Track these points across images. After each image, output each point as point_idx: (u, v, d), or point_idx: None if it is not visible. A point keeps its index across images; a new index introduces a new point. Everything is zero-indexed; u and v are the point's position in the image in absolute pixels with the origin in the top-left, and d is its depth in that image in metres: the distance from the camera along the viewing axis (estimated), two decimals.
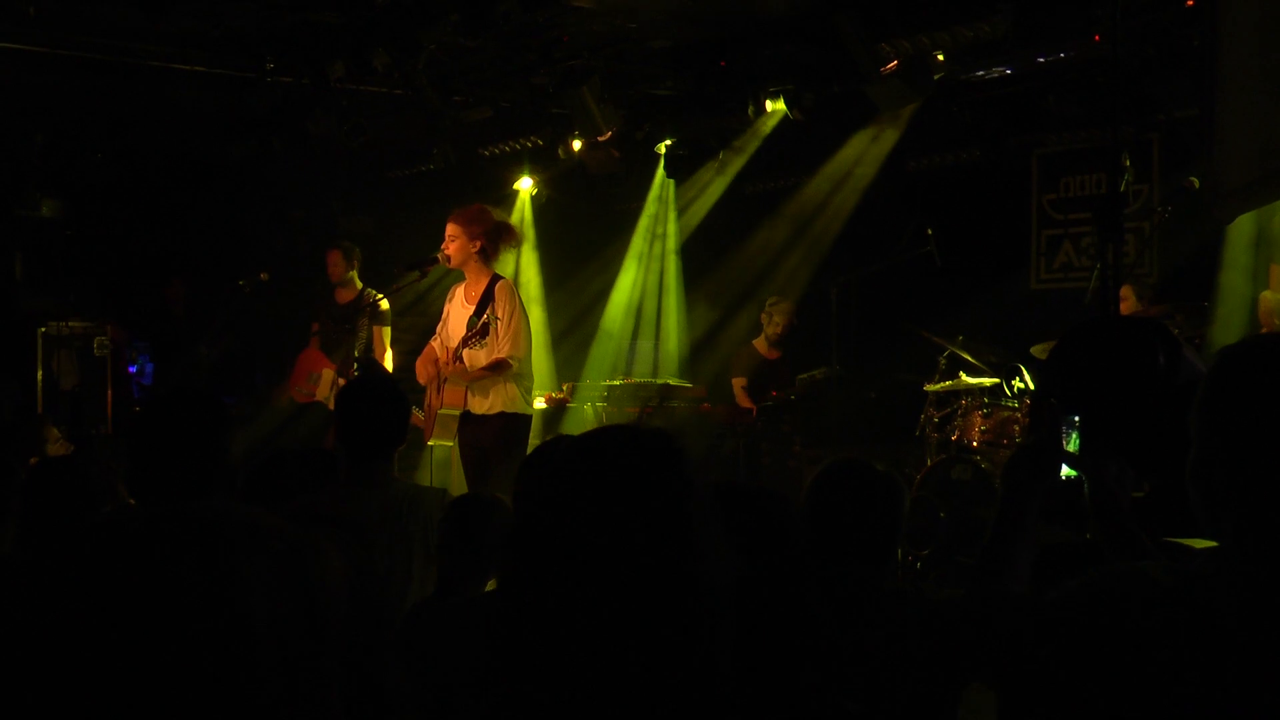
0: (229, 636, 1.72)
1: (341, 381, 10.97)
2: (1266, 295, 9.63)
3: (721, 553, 2.03)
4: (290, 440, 13.19)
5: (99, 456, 11.36)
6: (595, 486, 2.00)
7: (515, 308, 9.24)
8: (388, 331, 12.27)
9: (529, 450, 9.13)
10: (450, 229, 9.36)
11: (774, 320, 12.63)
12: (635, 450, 2.06)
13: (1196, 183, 8.25)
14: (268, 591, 1.76)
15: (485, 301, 9.25)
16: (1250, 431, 2.37)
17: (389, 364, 11.95)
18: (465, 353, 9.26)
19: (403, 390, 5.88)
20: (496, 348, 9.18)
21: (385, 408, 5.62)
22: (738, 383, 12.68)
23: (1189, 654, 2.29)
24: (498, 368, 9.16)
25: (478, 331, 9.18)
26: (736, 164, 13.76)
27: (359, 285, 12.20)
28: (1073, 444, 3.28)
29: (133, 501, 4.95)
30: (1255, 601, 2.29)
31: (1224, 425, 2.42)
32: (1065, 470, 3.27)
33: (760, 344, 12.75)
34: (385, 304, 12.02)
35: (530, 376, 9.55)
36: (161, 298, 14.55)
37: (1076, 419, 3.29)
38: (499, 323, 9.19)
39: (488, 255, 9.39)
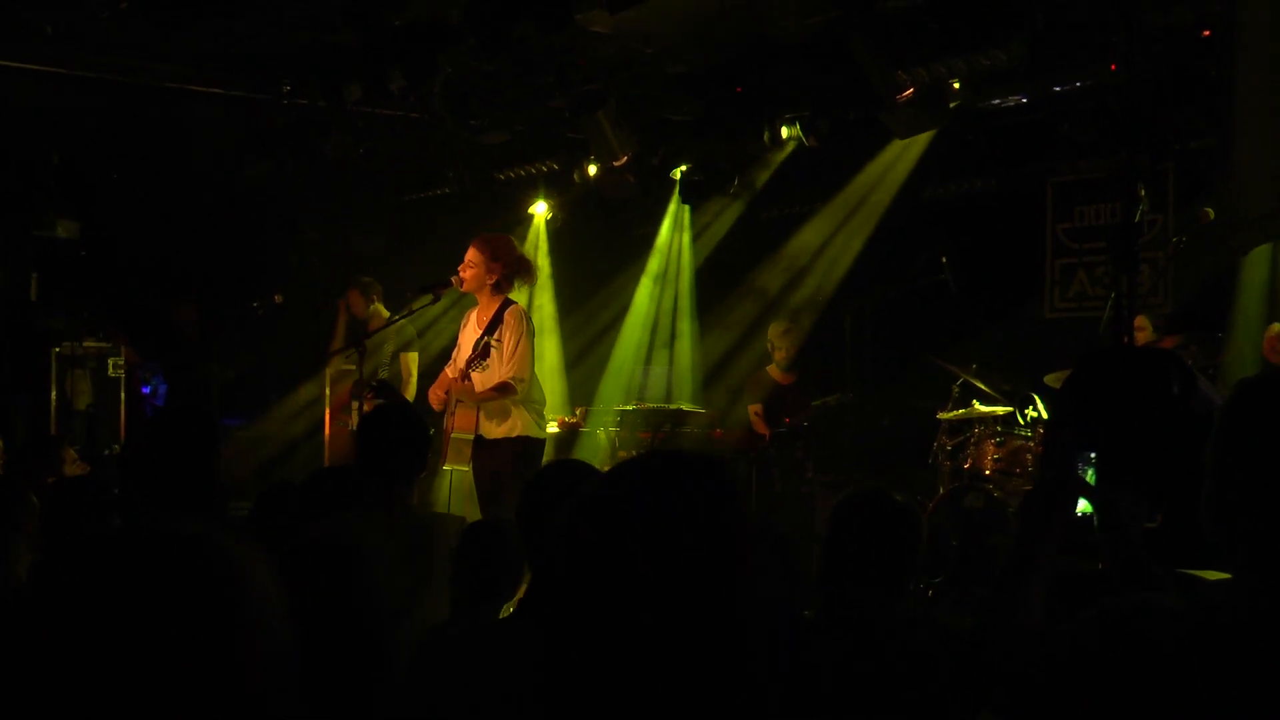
0: (200, 664, 1.73)
1: (355, 404, 10.96)
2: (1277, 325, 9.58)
3: (775, 586, 2.02)
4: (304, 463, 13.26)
5: (113, 477, 11.38)
6: (655, 518, 1.98)
7: (522, 332, 9.24)
8: (414, 358, 12.28)
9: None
10: (471, 254, 9.37)
11: (778, 346, 12.56)
12: (696, 482, 2.04)
13: (1211, 213, 8.23)
14: (228, 612, 1.77)
15: (494, 325, 9.29)
16: (1266, 462, 2.36)
17: (413, 389, 11.95)
18: (472, 375, 9.30)
19: (423, 418, 5.88)
20: (499, 371, 9.21)
21: (406, 435, 5.62)
22: (753, 409, 12.64)
23: (1203, 684, 2.28)
24: (502, 390, 9.18)
25: (479, 354, 9.22)
26: (752, 189, 13.76)
27: (385, 314, 12.23)
28: (1089, 478, 3.27)
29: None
30: (1269, 632, 2.28)
31: (1240, 456, 2.41)
32: (1081, 505, 3.26)
33: (774, 370, 12.71)
34: (412, 329, 12.07)
35: (541, 400, 9.57)
36: (171, 319, 14.57)
37: (1092, 455, 3.28)
38: (501, 346, 9.21)
39: (501, 288, 9.41)
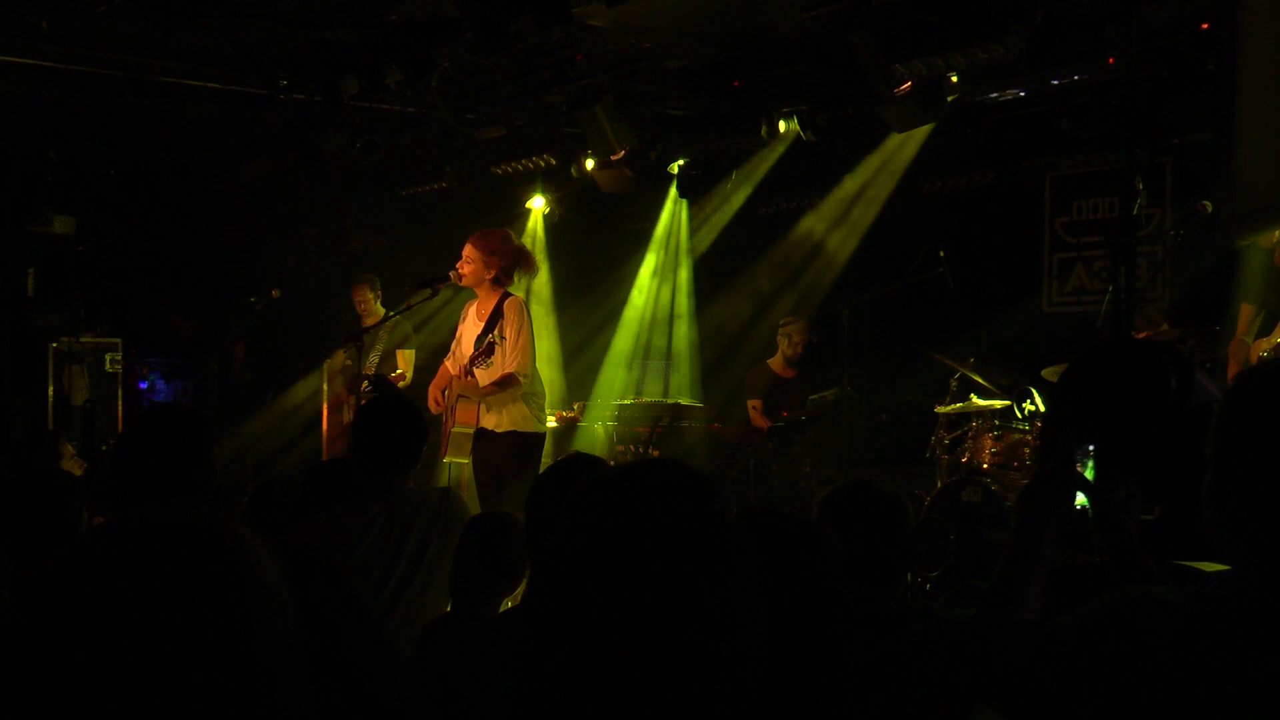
0: (220, 652, 1.72)
1: (351, 399, 10.96)
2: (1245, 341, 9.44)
3: (755, 597, 2.03)
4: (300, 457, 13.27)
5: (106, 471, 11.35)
6: (640, 526, 2.00)
7: (523, 325, 9.27)
8: (411, 355, 12.28)
9: (541, 468, 9.16)
10: (468, 251, 9.42)
11: (793, 340, 12.53)
12: (682, 492, 2.06)
13: (1210, 206, 8.21)
14: (251, 601, 1.76)
15: (494, 319, 9.31)
16: (1267, 455, 2.35)
17: (407, 381, 11.94)
18: (475, 371, 9.31)
19: (420, 412, 5.88)
20: (503, 365, 9.23)
21: (401, 429, 5.62)
22: (752, 404, 12.63)
23: (1205, 679, 2.27)
24: (506, 383, 9.21)
25: (483, 351, 9.24)
26: (749, 184, 13.76)
27: (382, 311, 12.25)
28: (1088, 473, 3.26)
29: (99, 519, 4.95)
30: (1270, 625, 2.27)
31: (1241, 448, 2.40)
32: (1078, 499, 3.25)
33: (776, 363, 12.68)
34: (408, 325, 12.08)
35: (541, 394, 9.60)
36: (171, 326, 14.60)
37: (1090, 448, 3.27)
38: (505, 341, 9.24)
39: (501, 282, 9.45)
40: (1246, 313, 9.23)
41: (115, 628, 1.68)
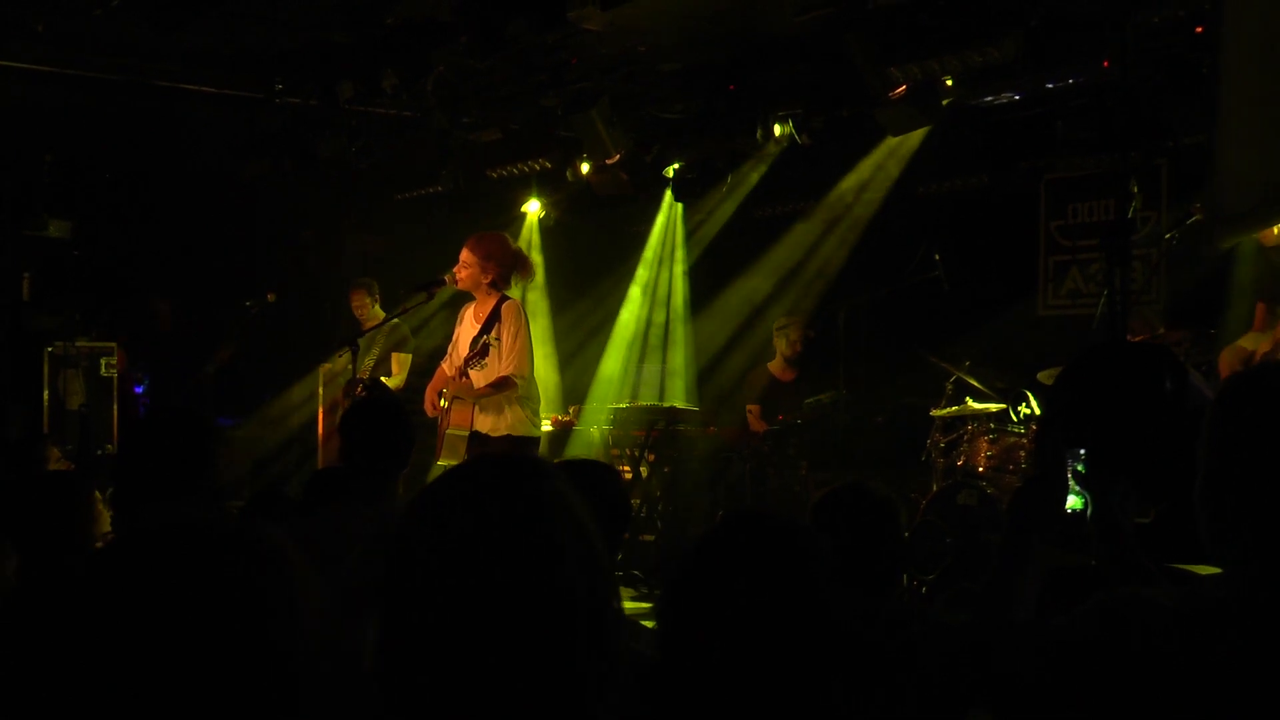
0: (255, 652, 1.72)
1: (347, 403, 10.96)
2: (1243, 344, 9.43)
3: (592, 574, 2.07)
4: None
5: (103, 475, 11.33)
6: (465, 515, 2.03)
7: (520, 328, 9.27)
8: (407, 359, 12.27)
9: None
10: (465, 255, 9.41)
11: (791, 338, 12.47)
12: (499, 482, 2.10)
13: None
14: (285, 603, 1.77)
15: (491, 321, 9.30)
16: (1260, 456, 2.36)
17: (396, 383, 11.93)
18: (470, 373, 9.31)
19: (406, 413, 5.86)
20: (499, 368, 9.22)
21: (386, 429, 5.59)
22: (750, 408, 12.59)
23: (1198, 679, 2.28)
24: (501, 385, 9.20)
25: (478, 352, 9.23)
26: (745, 187, 13.75)
27: (381, 315, 12.26)
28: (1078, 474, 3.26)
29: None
30: (1265, 627, 2.28)
31: (1233, 450, 2.41)
32: (1072, 501, 3.25)
33: (775, 366, 12.63)
34: (405, 328, 12.07)
35: (536, 398, 9.58)
36: (148, 314, 14.58)
37: (1082, 451, 3.27)
38: (500, 344, 9.23)
39: (498, 286, 9.44)
40: (1260, 310, 9.27)
41: (162, 629, 1.68)
